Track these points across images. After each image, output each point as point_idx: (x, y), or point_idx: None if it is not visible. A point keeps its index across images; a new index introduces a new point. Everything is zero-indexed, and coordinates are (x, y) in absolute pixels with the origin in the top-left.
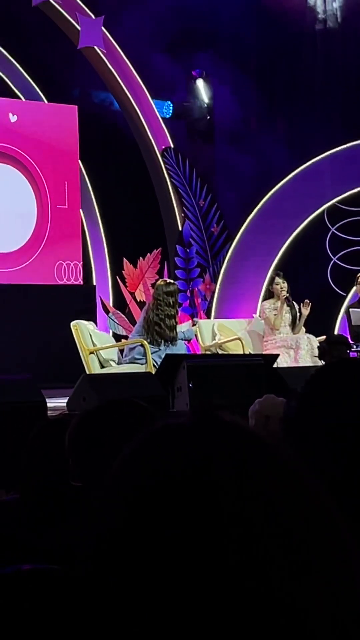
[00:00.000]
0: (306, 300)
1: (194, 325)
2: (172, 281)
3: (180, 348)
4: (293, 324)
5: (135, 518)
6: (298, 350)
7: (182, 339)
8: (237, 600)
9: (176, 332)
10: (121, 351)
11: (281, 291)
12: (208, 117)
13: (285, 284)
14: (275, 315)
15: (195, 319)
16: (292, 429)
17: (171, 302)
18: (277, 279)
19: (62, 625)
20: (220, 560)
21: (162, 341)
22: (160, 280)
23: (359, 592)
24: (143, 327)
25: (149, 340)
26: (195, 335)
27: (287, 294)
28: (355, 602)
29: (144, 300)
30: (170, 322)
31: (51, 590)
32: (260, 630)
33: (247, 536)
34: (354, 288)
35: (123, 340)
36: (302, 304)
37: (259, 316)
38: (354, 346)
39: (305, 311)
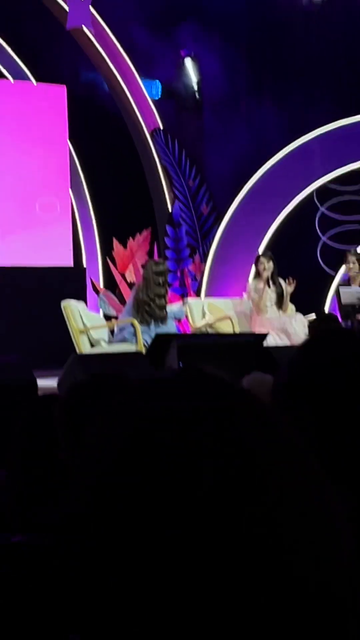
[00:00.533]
0: (290, 278)
1: (184, 305)
2: (161, 261)
3: (170, 327)
4: (280, 303)
5: (118, 471)
6: (290, 335)
7: (172, 319)
8: (212, 548)
9: (166, 312)
10: (112, 331)
11: (263, 271)
12: (197, 97)
13: (270, 264)
14: (257, 296)
15: (185, 299)
16: (281, 396)
17: (161, 282)
18: (261, 259)
19: (50, 592)
20: (198, 505)
21: (152, 321)
22: (150, 260)
23: (338, 543)
24: (133, 307)
25: (139, 320)
26: (186, 314)
27: (270, 274)
28: (333, 552)
29: (134, 280)
30: (160, 302)
31: (40, 560)
32: (231, 574)
33: (226, 485)
34: (343, 267)
35: (113, 320)
36: (287, 281)
37: (246, 296)
38: (344, 324)
39: (290, 288)
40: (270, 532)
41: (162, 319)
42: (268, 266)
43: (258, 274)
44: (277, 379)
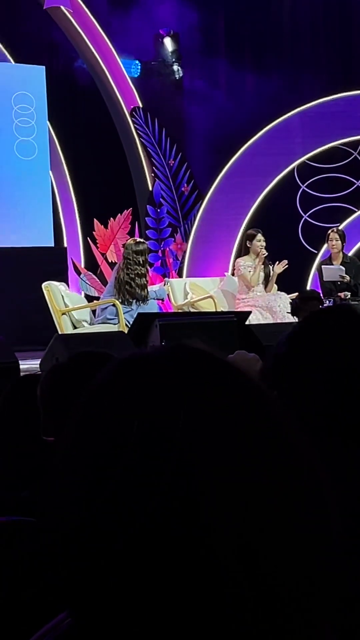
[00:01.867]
0: (284, 261)
1: (165, 285)
2: (141, 240)
3: (152, 307)
4: (266, 282)
5: (105, 451)
6: (275, 313)
7: (154, 298)
8: (205, 523)
9: (147, 291)
10: (93, 312)
11: (262, 249)
12: (177, 76)
13: (265, 243)
14: (250, 272)
15: (167, 279)
16: (281, 369)
17: (141, 261)
18: (259, 236)
19: (33, 573)
20: (190, 484)
21: (134, 301)
22: (130, 239)
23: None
24: (114, 287)
25: (120, 300)
26: (168, 294)
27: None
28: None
29: (116, 260)
30: (141, 281)
31: (23, 541)
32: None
33: (219, 461)
34: (325, 245)
35: (95, 301)
36: (276, 263)
37: (232, 274)
38: (326, 301)
39: (279, 270)
40: (264, 507)
41: (144, 299)
42: (264, 244)
43: (246, 252)
44: (277, 349)
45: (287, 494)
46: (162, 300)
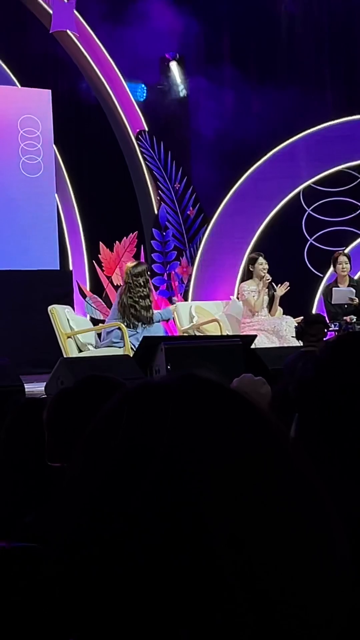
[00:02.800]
0: (286, 283)
1: (173, 305)
2: (139, 261)
3: (157, 330)
4: (270, 306)
5: (118, 478)
6: (281, 337)
7: (159, 320)
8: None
9: (152, 312)
10: (99, 335)
11: (264, 272)
12: (182, 100)
13: (267, 266)
14: (254, 297)
15: (175, 298)
16: (308, 392)
17: (142, 283)
18: (261, 259)
19: (36, 598)
20: (197, 511)
21: (140, 324)
22: (128, 262)
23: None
24: (119, 311)
25: (125, 323)
26: (173, 317)
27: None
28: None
29: (121, 284)
30: (145, 303)
31: (28, 567)
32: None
33: (225, 491)
34: (331, 269)
35: (100, 324)
36: (279, 285)
37: (237, 298)
38: (332, 325)
39: (280, 292)
40: (268, 534)
41: (149, 321)
42: (267, 267)
43: (250, 276)
44: (302, 373)
45: (292, 522)
46: (168, 320)
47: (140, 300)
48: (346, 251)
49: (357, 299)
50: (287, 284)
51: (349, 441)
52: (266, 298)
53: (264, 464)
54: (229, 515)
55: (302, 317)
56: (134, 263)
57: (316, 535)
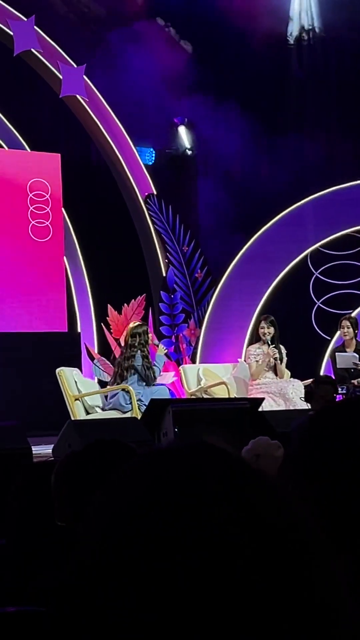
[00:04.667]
0: (271, 347)
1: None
2: (139, 322)
3: (163, 393)
4: (275, 369)
5: (121, 546)
6: (288, 400)
7: (160, 371)
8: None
9: (154, 371)
10: (106, 397)
11: (264, 336)
12: (190, 164)
13: (271, 329)
14: (257, 361)
15: (157, 342)
16: (291, 467)
17: (143, 342)
18: (262, 323)
19: None
20: (202, 582)
21: (144, 384)
22: (130, 324)
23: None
24: (123, 373)
25: (129, 384)
26: (181, 380)
27: (270, 339)
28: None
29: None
30: (145, 363)
31: (36, 631)
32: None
33: (233, 553)
34: (339, 332)
35: (108, 387)
36: (271, 346)
37: (244, 360)
38: (340, 389)
39: (270, 354)
40: (284, 606)
41: (152, 379)
42: (269, 331)
43: (258, 339)
44: (289, 449)
45: (302, 592)
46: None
47: (143, 360)
48: (353, 315)
49: None
50: (273, 347)
51: (327, 519)
52: (272, 361)
53: (276, 535)
54: (239, 585)
55: (312, 379)
56: (135, 323)
57: (327, 605)
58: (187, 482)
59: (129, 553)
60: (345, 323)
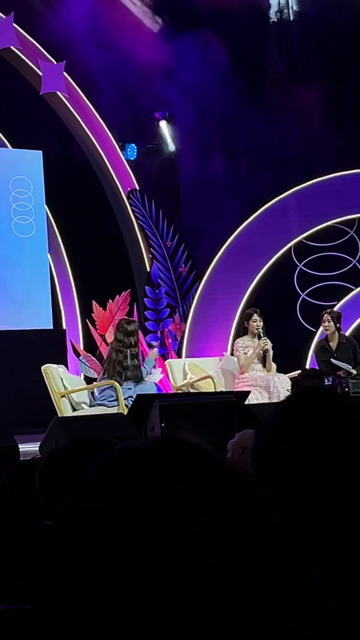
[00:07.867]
0: (263, 338)
1: (152, 352)
2: (131, 319)
3: (150, 388)
4: (263, 361)
5: (91, 541)
6: (271, 393)
7: (147, 374)
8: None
9: (141, 370)
10: (92, 394)
11: (258, 330)
12: (172, 159)
13: (261, 322)
14: (245, 354)
15: (153, 343)
16: (260, 458)
17: (133, 342)
18: (255, 316)
19: None
20: (177, 577)
21: (132, 382)
22: (120, 320)
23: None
24: (111, 368)
25: (117, 380)
26: (167, 374)
27: (261, 331)
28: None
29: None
30: (134, 362)
31: (22, 630)
32: None
33: (205, 556)
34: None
35: (94, 383)
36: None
37: (231, 354)
38: (326, 380)
39: (259, 348)
40: (257, 604)
41: (140, 378)
42: (261, 323)
43: (245, 332)
44: (256, 440)
45: (280, 592)
46: (153, 367)
47: (131, 359)
48: (335, 308)
49: (354, 371)
50: (265, 339)
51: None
52: (260, 353)
53: (250, 532)
54: (216, 587)
55: (299, 371)
56: (127, 320)
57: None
58: (149, 482)
59: (91, 557)
60: (327, 317)
